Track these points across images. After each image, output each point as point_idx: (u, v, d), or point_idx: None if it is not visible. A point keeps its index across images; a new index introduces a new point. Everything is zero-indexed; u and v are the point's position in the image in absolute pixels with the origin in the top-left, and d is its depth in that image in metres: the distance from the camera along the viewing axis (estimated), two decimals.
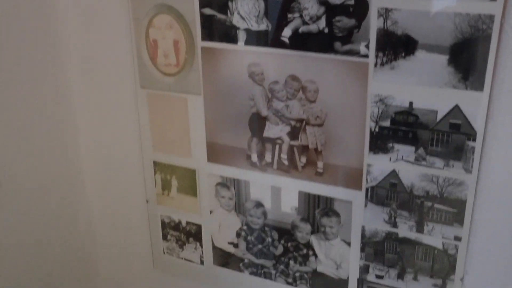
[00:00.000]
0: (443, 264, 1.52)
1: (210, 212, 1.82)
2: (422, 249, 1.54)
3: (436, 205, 1.48)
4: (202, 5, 1.57)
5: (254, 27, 1.51)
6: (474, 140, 1.37)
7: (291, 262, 1.75)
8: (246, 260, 1.83)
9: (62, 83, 1.86)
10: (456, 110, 1.35)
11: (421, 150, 1.42)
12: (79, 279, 2.14)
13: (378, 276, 1.63)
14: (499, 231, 1.49)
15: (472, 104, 1.34)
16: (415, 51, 1.35)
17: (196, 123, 1.71)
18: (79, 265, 2.12)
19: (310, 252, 1.71)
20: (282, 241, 1.74)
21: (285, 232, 1.73)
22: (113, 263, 2.18)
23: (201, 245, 1.90)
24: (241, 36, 1.54)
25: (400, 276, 1.59)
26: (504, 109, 1.36)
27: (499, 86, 1.33)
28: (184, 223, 1.89)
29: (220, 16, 1.54)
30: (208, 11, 1.55)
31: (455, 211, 1.46)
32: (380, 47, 1.38)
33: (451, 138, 1.39)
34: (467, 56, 1.30)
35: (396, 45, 1.36)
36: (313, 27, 1.43)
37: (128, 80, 1.78)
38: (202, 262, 1.93)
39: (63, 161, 1.96)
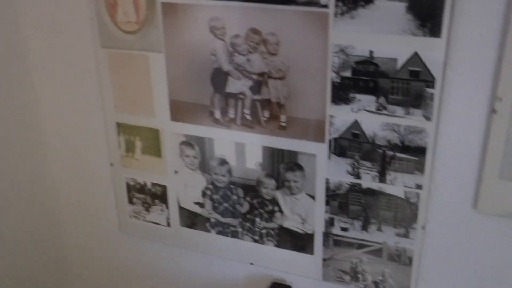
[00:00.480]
0: (405, 213, 1.55)
1: (175, 172, 1.82)
2: (385, 199, 1.56)
3: (398, 154, 1.50)
4: None
5: None
6: (433, 87, 1.38)
7: (257, 219, 1.76)
8: (212, 220, 1.84)
9: (18, 43, 1.84)
10: (415, 57, 1.38)
11: (382, 99, 1.45)
12: (45, 245, 2.14)
13: (343, 229, 1.65)
14: (459, 177, 1.53)
15: (431, 50, 1.36)
16: (375, 0, 1.35)
17: (159, 82, 1.71)
18: (44, 230, 2.12)
19: (276, 208, 1.72)
20: (248, 198, 1.75)
21: (251, 189, 1.73)
22: (78, 228, 2.18)
23: (167, 206, 1.89)
24: None
25: (365, 227, 1.62)
26: (461, 55, 1.40)
27: (457, 32, 1.36)
28: (149, 185, 1.89)
29: None
30: None
31: (416, 159, 1.49)
32: None
33: (411, 85, 1.41)
34: (425, 2, 1.32)
35: None
36: None
37: (87, 40, 1.78)
38: (168, 224, 1.93)
39: (24, 125, 1.96)
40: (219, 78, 1.62)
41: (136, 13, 1.65)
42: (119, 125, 1.86)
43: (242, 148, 1.69)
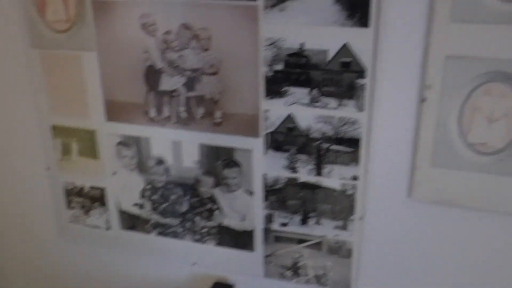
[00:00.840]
0: (343, 205, 1.56)
1: (113, 173, 1.80)
2: (322, 192, 1.57)
3: (333, 146, 1.51)
4: None
5: None
6: (364, 77, 1.39)
7: (197, 218, 1.74)
8: (153, 221, 1.82)
9: None
10: (345, 48, 1.39)
11: (315, 92, 1.45)
12: None
13: (282, 224, 1.65)
14: (393, 167, 1.56)
15: (360, 41, 1.38)
16: None
17: (92, 81, 1.69)
18: None
19: (215, 206, 1.71)
20: (187, 197, 1.73)
21: (189, 188, 1.72)
22: (15, 237, 2.13)
23: (106, 209, 1.86)
24: None
25: (304, 221, 1.63)
26: (390, 44, 1.42)
27: (384, 21, 1.39)
28: (87, 188, 1.87)
29: None
30: None
31: (351, 150, 1.49)
32: None
33: (342, 77, 1.42)
34: None
35: None
36: None
37: (17, 40, 1.73)
38: (109, 227, 1.90)
39: None
40: (152, 75, 1.61)
41: (66, 11, 1.63)
42: (54, 127, 1.84)
43: (179, 146, 1.68)
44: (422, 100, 1.39)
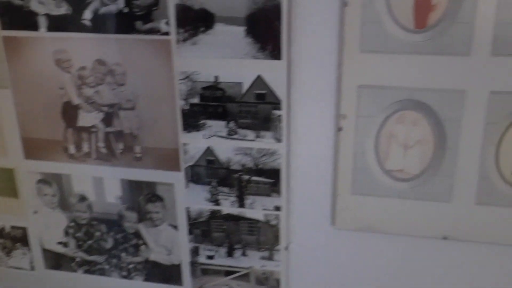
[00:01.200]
0: (267, 236, 1.55)
1: (35, 212, 1.75)
2: (246, 223, 1.56)
3: (254, 178, 1.50)
4: None
5: (54, 11, 1.47)
6: (280, 108, 1.39)
7: (123, 254, 1.71)
8: (78, 259, 1.78)
9: None
10: (259, 80, 1.39)
11: (232, 124, 1.45)
12: None
13: (209, 257, 1.64)
14: (315, 196, 1.58)
15: (274, 72, 1.38)
16: (214, 25, 1.37)
17: (8, 119, 1.65)
18: None
19: (140, 242, 1.68)
20: (112, 234, 1.70)
21: (113, 224, 1.69)
22: None
23: (29, 249, 1.81)
24: (42, 22, 1.50)
25: (230, 253, 1.61)
26: (304, 75, 1.44)
27: (296, 53, 1.41)
28: (8, 229, 1.81)
29: (17, 2, 1.48)
30: None
31: (272, 181, 1.49)
32: (179, 23, 1.39)
33: (258, 108, 1.42)
34: (262, 25, 1.34)
35: (195, 20, 1.38)
36: (112, 8, 1.42)
37: None
38: (32, 268, 1.86)
39: None
40: (70, 112, 1.59)
41: None
42: None
43: (100, 182, 1.65)
44: (338, 129, 1.39)
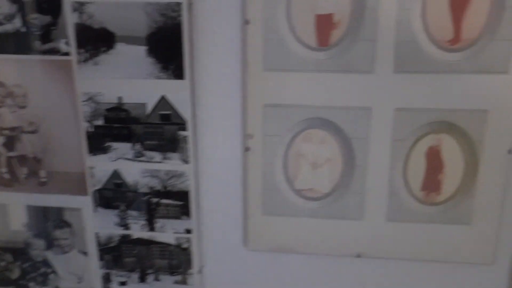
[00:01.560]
0: (180, 259, 1.51)
1: None
2: (157, 247, 1.51)
3: (163, 200, 1.45)
4: None
5: None
6: (186, 129, 1.35)
7: (32, 284, 1.63)
8: None
9: None
10: (163, 100, 1.35)
11: (138, 146, 1.40)
12: None
13: (121, 283, 1.58)
14: (227, 217, 1.56)
15: (178, 93, 1.35)
16: (115, 45, 1.31)
17: None
18: None
19: (49, 270, 1.61)
20: (18, 263, 1.62)
21: (20, 252, 1.61)
22: None
23: None
24: None
25: (142, 278, 1.56)
26: (209, 95, 1.42)
27: (200, 73, 1.39)
28: None
29: None
30: None
31: (182, 203, 1.44)
32: (79, 43, 1.34)
33: (164, 130, 1.37)
34: (164, 45, 1.31)
35: (96, 40, 1.33)
36: (9, 27, 1.35)
37: None
38: None
39: None
40: None
41: None
42: None
43: (4, 209, 1.58)
44: (246, 149, 1.35)
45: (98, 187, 1.49)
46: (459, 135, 1.30)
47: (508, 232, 1.43)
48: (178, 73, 1.32)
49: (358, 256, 1.43)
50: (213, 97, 1.39)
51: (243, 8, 1.31)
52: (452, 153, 1.32)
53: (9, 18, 1.37)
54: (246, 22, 1.27)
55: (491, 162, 1.34)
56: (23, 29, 1.37)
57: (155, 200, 1.47)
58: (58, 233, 1.58)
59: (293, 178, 1.39)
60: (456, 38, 1.23)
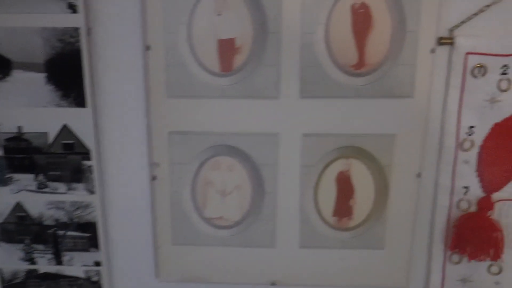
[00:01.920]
0: None
1: None
2: (66, 281, 1.46)
3: (69, 232, 1.38)
4: None
5: None
6: (90, 158, 1.28)
7: None
8: None
9: None
10: (65, 129, 1.29)
11: (41, 177, 1.33)
12: None
13: None
14: (137, 248, 1.52)
15: (81, 121, 1.29)
16: (11, 71, 1.24)
17: None
18: None
19: None
20: None
21: None
22: None
23: None
24: None
25: None
26: (112, 123, 1.38)
27: (102, 101, 1.36)
28: None
29: None
30: None
31: (89, 235, 1.37)
32: None
33: (67, 159, 1.31)
34: (63, 72, 1.25)
35: None
36: None
37: None
38: None
39: None
40: None
41: None
42: None
43: None
44: (152, 178, 1.30)
45: (0, 220, 1.40)
46: (368, 160, 1.27)
47: (420, 255, 1.43)
48: (79, 101, 1.28)
49: (273, 284, 1.40)
50: (117, 125, 1.36)
51: (144, 33, 1.27)
52: (362, 178, 1.30)
53: None
54: (147, 47, 1.22)
55: (401, 186, 1.34)
56: None
57: (61, 232, 1.41)
58: None
59: (202, 207, 1.35)
60: (360, 63, 1.20)
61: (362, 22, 1.19)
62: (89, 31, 1.22)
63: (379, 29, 1.19)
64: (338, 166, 1.30)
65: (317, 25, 1.19)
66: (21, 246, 1.45)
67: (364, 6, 1.18)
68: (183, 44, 1.23)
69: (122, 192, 1.38)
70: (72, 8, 1.22)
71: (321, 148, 1.28)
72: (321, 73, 1.22)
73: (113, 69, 1.27)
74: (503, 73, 1.19)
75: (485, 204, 1.28)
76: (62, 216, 1.39)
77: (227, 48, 1.22)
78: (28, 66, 1.27)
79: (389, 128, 1.27)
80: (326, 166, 1.29)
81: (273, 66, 1.23)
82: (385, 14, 1.18)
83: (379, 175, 1.29)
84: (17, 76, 1.28)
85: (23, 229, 1.42)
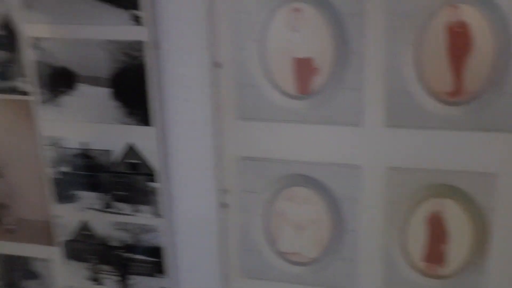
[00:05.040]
0: None
1: None
2: None
3: (135, 256, 1.32)
4: None
5: None
6: (156, 180, 1.23)
7: None
8: None
9: None
10: (130, 149, 1.23)
11: (107, 196, 1.28)
12: None
13: None
14: (204, 277, 1.45)
15: (147, 140, 1.24)
16: (77, 85, 1.21)
17: None
18: None
19: None
20: None
21: None
22: None
23: None
24: None
25: None
26: (179, 143, 1.32)
27: (169, 118, 1.30)
28: None
29: None
30: None
31: (156, 260, 1.31)
32: (39, 83, 1.23)
33: (132, 180, 1.25)
34: (128, 87, 1.20)
35: (57, 80, 1.22)
36: None
37: None
38: None
39: None
40: None
41: None
42: None
43: None
44: (222, 205, 1.21)
45: (66, 237, 1.38)
46: (464, 201, 1.11)
47: None
48: (145, 119, 1.20)
49: None
50: (184, 146, 1.30)
51: (213, 49, 1.20)
52: (457, 221, 1.15)
53: None
54: (217, 65, 1.12)
55: (505, 233, 1.19)
56: None
57: (127, 255, 1.35)
58: (26, 284, 1.47)
59: (275, 239, 1.25)
60: (457, 90, 1.05)
61: (460, 43, 1.06)
62: (156, 46, 1.13)
63: (480, 52, 1.03)
64: (429, 206, 1.16)
65: (406, 45, 1.02)
66: (87, 265, 1.42)
67: (463, 25, 1.01)
68: (255, 62, 1.11)
69: (189, 218, 1.34)
70: (137, 21, 1.18)
71: (409, 184, 1.14)
72: (410, 100, 1.08)
73: (180, 86, 1.23)
74: None
75: None
76: (128, 238, 1.35)
77: (304, 68, 1.10)
78: (93, 80, 1.22)
79: (490, 166, 1.14)
80: (415, 204, 1.15)
81: (355, 90, 1.10)
82: (487, 34, 1.05)
83: (478, 219, 1.13)
84: (83, 90, 1.24)
85: (90, 248, 1.40)
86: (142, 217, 1.33)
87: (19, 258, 1.50)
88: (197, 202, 1.31)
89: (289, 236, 1.27)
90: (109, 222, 1.36)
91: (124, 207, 1.33)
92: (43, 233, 1.45)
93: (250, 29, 1.14)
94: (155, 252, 1.37)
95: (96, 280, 1.44)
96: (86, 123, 1.28)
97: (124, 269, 1.40)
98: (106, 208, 1.35)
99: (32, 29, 1.24)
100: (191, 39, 1.18)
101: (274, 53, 1.14)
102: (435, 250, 1.20)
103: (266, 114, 1.18)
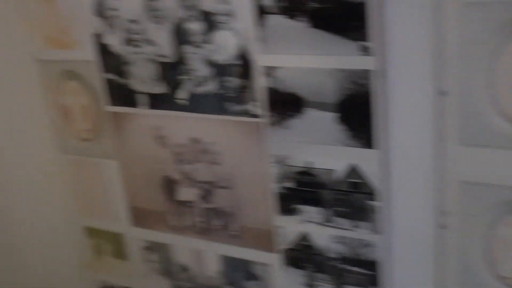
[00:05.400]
0: None
1: (142, 276, 1.81)
2: None
3: (351, 267, 1.43)
4: (105, 70, 1.66)
5: (153, 90, 1.51)
6: (376, 199, 1.33)
7: None
8: None
9: None
10: (352, 169, 1.33)
11: (327, 211, 1.40)
12: None
13: None
14: None
15: (369, 162, 1.32)
16: (305, 109, 1.33)
17: (116, 188, 1.72)
18: None
19: None
20: None
21: None
22: None
23: None
24: (142, 99, 1.55)
25: None
26: (400, 165, 1.37)
27: (391, 142, 1.35)
28: None
29: (121, 80, 1.55)
30: (111, 76, 1.65)
31: (371, 273, 1.41)
32: (269, 107, 1.37)
33: (353, 198, 1.36)
34: (354, 112, 1.30)
35: (285, 104, 1.35)
36: (204, 89, 1.43)
37: (46, 146, 1.86)
38: None
39: None
40: (169, 186, 1.64)
41: (89, 121, 1.67)
42: (85, 228, 1.96)
43: (200, 255, 1.69)
44: (441, 226, 1.28)
45: (286, 246, 1.50)
46: None
47: None
48: (369, 142, 1.29)
49: None
50: (405, 168, 1.37)
51: (439, 77, 1.25)
52: None
53: (205, 80, 1.42)
54: (442, 93, 1.18)
55: None
56: (217, 91, 1.42)
57: (343, 266, 1.44)
58: (247, 284, 1.62)
59: (495, 263, 1.27)
60: None
61: None
62: (382, 74, 1.21)
63: None
64: None
65: None
66: (304, 272, 1.53)
67: None
68: (482, 91, 1.15)
69: (406, 236, 1.39)
70: (365, 51, 1.24)
71: None
72: None
73: (403, 112, 1.30)
74: None
75: None
76: (345, 251, 1.43)
77: None
78: (320, 105, 1.31)
79: None
80: None
81: None
82: None
83: None
84: (310, 114, 1.34)
85: (307, 257, 1.50)
86: (360, 232, 1.40)
87: (242, 261, 1.62)
88: (415, 221, 1.36)
89: (509, 261, 1.28)
90: (328, 235, 1.45)
91: (344, 222, 1.42)
92: (265, 240, 1.57)
93: (478, 58, 1.16)
94: (371, 265, 1.44)
95: (311, 286, 1.53)
96: (312, 144, 1.37)
97: (339, 279, 1.49)
98: (326, 222, 1.44)
99: (266, 59, 1.35)
100: (417, 67, 1.23)
101: (503, 83, 1.15)
102: None
103: (489, 141, 1.20)
